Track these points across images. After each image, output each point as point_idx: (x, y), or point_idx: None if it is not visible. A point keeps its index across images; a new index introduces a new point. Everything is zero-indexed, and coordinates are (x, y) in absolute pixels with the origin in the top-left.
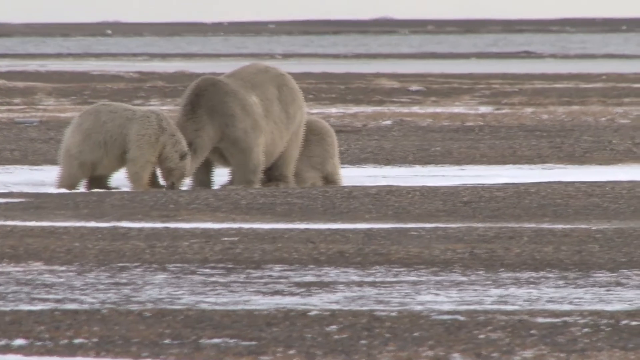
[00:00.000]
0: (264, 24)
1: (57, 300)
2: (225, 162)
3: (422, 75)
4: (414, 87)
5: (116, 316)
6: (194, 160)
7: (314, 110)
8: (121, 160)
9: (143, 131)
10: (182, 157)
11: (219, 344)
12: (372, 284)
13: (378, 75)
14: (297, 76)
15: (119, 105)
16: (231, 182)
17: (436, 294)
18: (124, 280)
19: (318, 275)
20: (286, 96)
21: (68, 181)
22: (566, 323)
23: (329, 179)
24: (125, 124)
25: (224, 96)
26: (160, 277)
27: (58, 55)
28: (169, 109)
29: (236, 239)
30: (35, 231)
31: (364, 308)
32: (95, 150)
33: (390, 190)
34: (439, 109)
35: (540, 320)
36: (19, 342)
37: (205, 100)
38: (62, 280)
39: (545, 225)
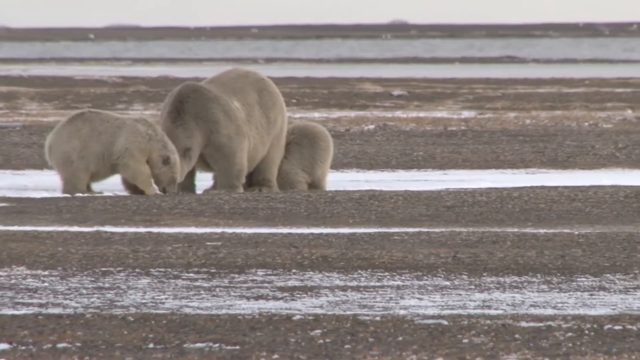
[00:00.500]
0: (247, 28)
1: (41, 305)
2: (207, 167)
3: (405, 80)
4: (397, 92)
5: (100, 321)
6: (187, 166)
7: (297, 115)
8: (115, 168)
9: (132, 138)
10: (165, 161)
11: (203, 349)
12: (356, 289)
13: (361, 79)
14: (280, 81)
15: (107, 114)
16: (214, 187)
17: (420, 299)
18: (107, 285)
19: (301, 280)
20: (267, 101)
21: (74, 187)
22: (550, 327)
23: (315, 184)
24: (116, 133)
25: (206, 102)
26: (144, 281)
27: (40, 60)
28: (152, 114)
29: (219, 243)
30: (18, 236)
31: (348, 312)
32: (97, 160)
33: (374, 195)
34: (422, 114)
35: (523, 324)
36: (3, 346)
37: (189, 107)
38: (45, 284)
39: (529, 230)
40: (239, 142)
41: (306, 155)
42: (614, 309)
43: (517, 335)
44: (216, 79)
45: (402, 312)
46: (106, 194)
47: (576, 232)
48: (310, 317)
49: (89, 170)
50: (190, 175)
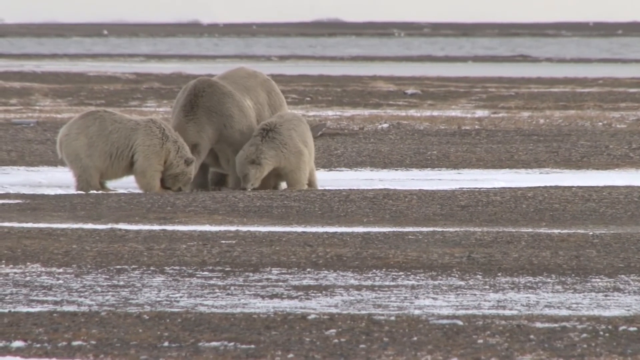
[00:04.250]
0: (260, 25)
1: (56, 302)
2: (218, 164)
3: (419, 79)
4: (410, 90)
5: (114, 318)
6: (196, 162)
7: (311, 113)
8: (127, 170)
9: (148, 142)
10: (188, 163)
11: (218, 347)
12: (371, 288)
13: (374, 78)
14: (294, 78)
15: (121, 115)
16: (227, 184)
17: (434, 298)
18: (122, 283)
19: (316, 279)
20: (275, 102)
21: (87, 184)
22: (564, 328)
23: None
24: (130, 135)
25: (221, 97)
26: (159, 279)
27: (54, 56)
28: (165, 111)
29: (234, 241)
30: (32, 233)
31: (363, 312)
32: (103, 158)
33: (388, 194)
34: (435, 113)
35: (538, 325)
36: (18, 344)
37: (203, 101)
38: (60, 282)
39: (543, 230)
40: None
41: None
42: (628, 310)
43: (532, 336)
44: (228, 76)
45: (416, 312)
46: (120, 191)
47: (590, 233)
48: (325, 317)
49: (98, 168)
50: (204, 173)
